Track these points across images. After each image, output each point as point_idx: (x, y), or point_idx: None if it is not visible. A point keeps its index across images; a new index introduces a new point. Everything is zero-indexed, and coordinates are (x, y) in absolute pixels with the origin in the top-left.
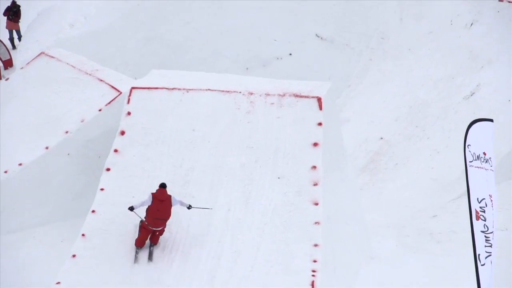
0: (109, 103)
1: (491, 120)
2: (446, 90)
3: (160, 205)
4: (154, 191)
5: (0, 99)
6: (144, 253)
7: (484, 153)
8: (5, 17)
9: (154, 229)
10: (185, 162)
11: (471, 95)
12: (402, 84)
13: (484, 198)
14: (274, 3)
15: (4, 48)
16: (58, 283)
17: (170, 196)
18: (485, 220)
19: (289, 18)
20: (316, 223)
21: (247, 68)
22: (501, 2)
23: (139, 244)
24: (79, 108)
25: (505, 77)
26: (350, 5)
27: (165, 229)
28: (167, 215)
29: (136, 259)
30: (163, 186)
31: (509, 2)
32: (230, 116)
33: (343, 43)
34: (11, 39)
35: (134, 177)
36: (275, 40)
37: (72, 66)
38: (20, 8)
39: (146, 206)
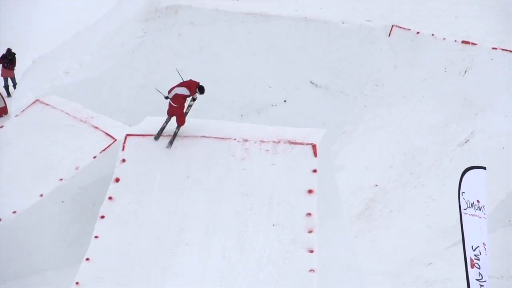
0: (103, 150)
1: (484, 168)
2: (441, 137)
3: (179, 85)
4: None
5: None
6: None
7: (478, 201)
8: (0, 65)
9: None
10: (179, 209)
11: (466, 142)
12: (397, 131)
13: (478, 246)
14: (269, 50)
15: None
16: None
17: (189, 94)
18: (479, 268)
19: (283, 65)
20: (311, 270)
21: (241, 115)
22: (494, 50)
23: (168, 113)
24: (74, 156)
25: (499, 124)
26: (344, 52)
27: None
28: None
29: (160, 130)
30: (201, 87)
31: (503, 49)
32: (225, 163)
33: (338, 90)
34: (6, 87)
35: (128, 225)
36: (269, 87)
37: (67, 114)
38: (15, 55)
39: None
